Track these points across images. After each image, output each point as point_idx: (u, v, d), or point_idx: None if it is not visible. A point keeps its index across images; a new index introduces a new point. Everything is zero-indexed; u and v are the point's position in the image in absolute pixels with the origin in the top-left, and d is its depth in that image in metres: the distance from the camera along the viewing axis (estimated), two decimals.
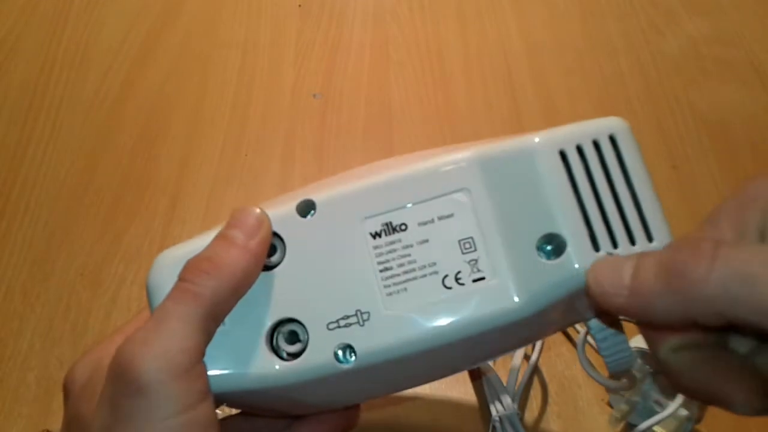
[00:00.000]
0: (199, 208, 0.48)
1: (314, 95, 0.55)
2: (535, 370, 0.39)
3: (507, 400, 0.36)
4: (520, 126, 0.52)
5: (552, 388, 0.39)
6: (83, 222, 0.48)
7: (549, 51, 0.58)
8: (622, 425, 0.38)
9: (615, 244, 0.24)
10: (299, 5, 0.62)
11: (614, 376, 0.32)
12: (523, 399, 0.38)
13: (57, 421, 0.39)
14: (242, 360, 0.24)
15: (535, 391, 0.39)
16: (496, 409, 0.36)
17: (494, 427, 0.36)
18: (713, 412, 0.37)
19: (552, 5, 0.61)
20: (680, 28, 0.59)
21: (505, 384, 0.37)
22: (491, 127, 0.52)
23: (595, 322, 0.27)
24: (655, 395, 0.36)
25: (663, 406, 0.35)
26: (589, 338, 0.29)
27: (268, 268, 0.25)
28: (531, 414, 0.38)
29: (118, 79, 0.56)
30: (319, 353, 0.24)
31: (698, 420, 0.35)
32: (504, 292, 0.24)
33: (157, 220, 0.48)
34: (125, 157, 0.51)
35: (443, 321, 0.24)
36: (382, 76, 0.56)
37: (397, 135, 0.52)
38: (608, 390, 0.37)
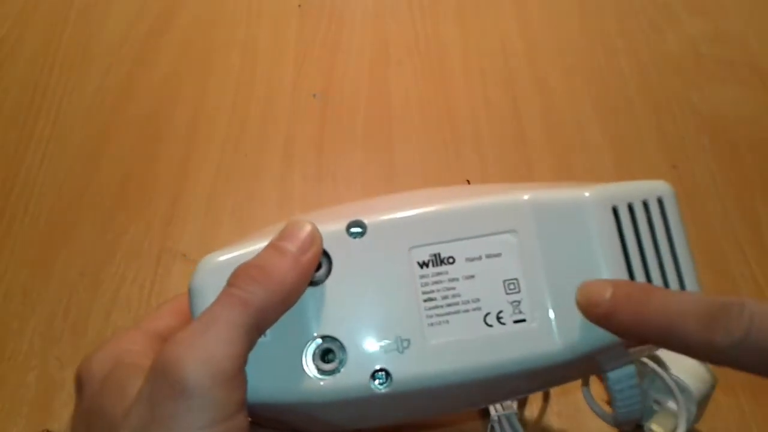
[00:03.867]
0: (199, 208, 0.48)
1: (314, 95, 0.55)
2: None
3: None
4: (519, 126, 0.52)
5: (552, 387, 0.39)
6: (83, 222, 0.48)
7: (549, 51, 0.58)
8: None
9: None
10: (299, 5, 0.62)
11: (620, 423, 0.33)
12: (522, 398, 0.38)
13: (57, 421, 0.39)
14: (280, 373, 0.24)
15: None
16: (494, 408, 0.36)
17: (492, 427, 0.36)
18: (712, 412, 0.37)
19: (552, 5, 0.61)
20: (680, 28, 0.59)
21: None
22: (491, 127, 0.52)
23: (613, 375, 0.29)
24: (655, 395, 0.36)
25: (662, 406, 0.35)
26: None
27: (313, 283, 0.25)
28: (531, 413, 0.38)
29: (118, 79, 0.56)
30: (356, 375, 0.24)
31: (697, 419, 0.35)
32: (543, 338, 0.24)
33: (157, 220, 0.48)
34: (125, 157, 0.51)
35: (480, 358, 0.24)
36: (382, 76, 0.56)
37: (397, 135, 0.52)
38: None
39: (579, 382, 0.36)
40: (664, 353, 0.35)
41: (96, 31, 0.60)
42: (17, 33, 0.60)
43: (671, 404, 0.35)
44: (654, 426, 0.35)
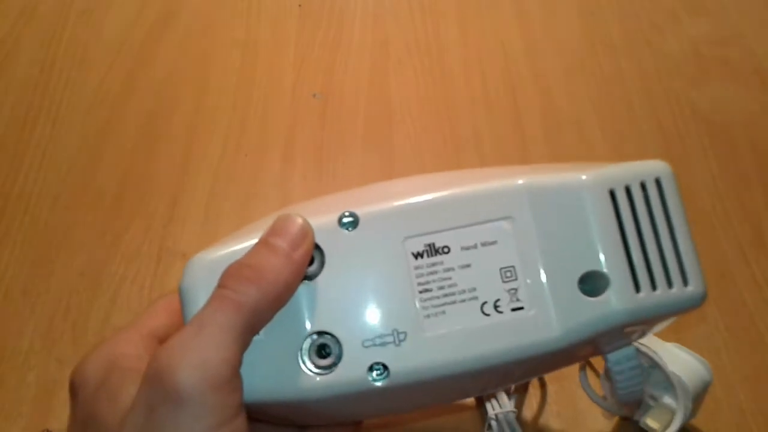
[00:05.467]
0: (199, 208, 0.48)
1: (314, 95, 0.55)
2: None
3: (504, 398, 0.36)
4: (519, 126, 0.52)
5: (551, 387, 0.39)
6: (83, 222, 0.48)
7: (549, 51, 0.58)
8: (615, 418, 0.38)
9: (654, 287, 0.25)
10: (299, 5, 0.62)
11: (621, 403, 0.32)
12: (521, 398, 0.38)
13: (57, 421, 0.39)
14: (276, 371, 0.24)
15: (534, 390, 0.39)
16: (492, 408, 0.36)
17: (490, 426, 0.35)
18: (711, 410, 0.37)
19: (552, 5, 0.61)
20: (680, 28, 0.59)
21: None
22: (491, 127, 0.52)
23: (613, 356, 0.28)
24: (651, 390, 0.36)
25: (657, 401, 0.35)
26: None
27: (306, 278, 0.24)
28: (530, 413, 0.38)
29: (118, 78, 0.56)
30: (353, 370, 0.24)
31: (693, 414, 0.35)
32: (542, 325, 0.24)
33: (157, 220, 0.48)
34: (125, 157, 0.51)
35: (478, 348, 0.24)
36: (382, 75, 0.56)
37: (397, 135, 0.52)
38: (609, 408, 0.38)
39: (578, 382, 0.36)
40: (660, 349, 0.35)
41: (96, 31, 0.60)
42: (17, 33, 0.60)
43: (666, 399, 0.35)
44: (649, 421, 0.35)
